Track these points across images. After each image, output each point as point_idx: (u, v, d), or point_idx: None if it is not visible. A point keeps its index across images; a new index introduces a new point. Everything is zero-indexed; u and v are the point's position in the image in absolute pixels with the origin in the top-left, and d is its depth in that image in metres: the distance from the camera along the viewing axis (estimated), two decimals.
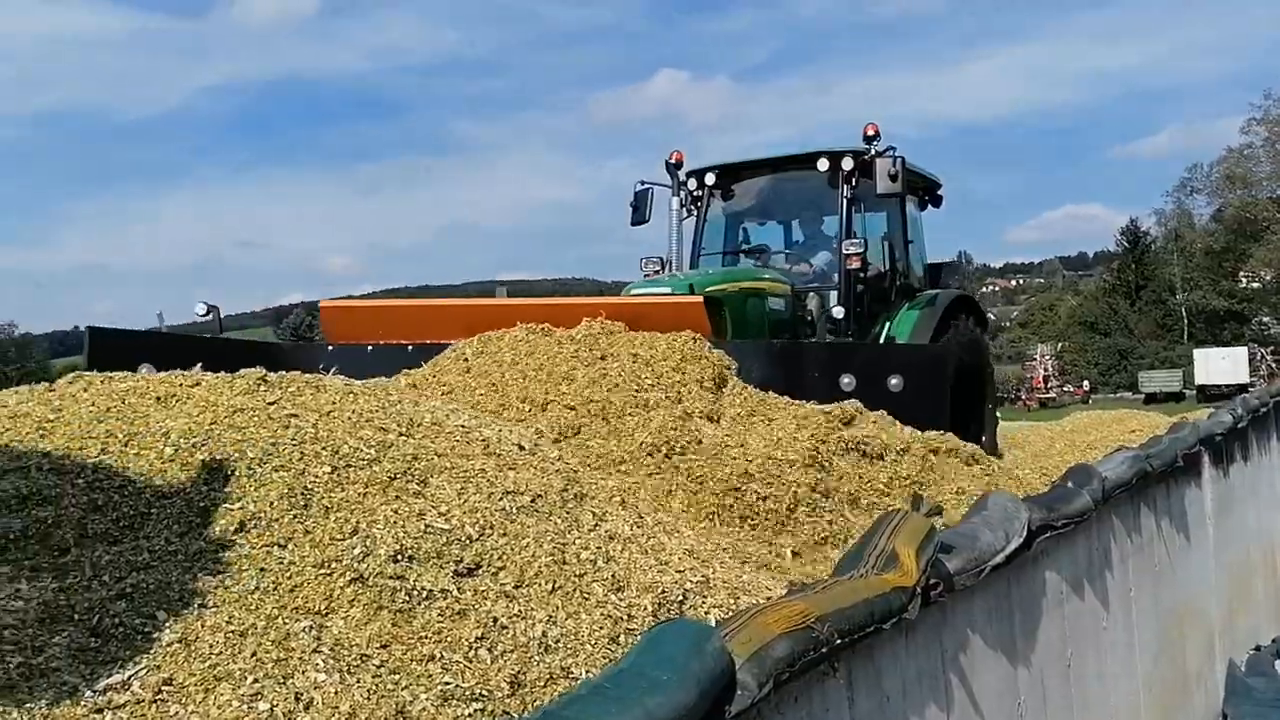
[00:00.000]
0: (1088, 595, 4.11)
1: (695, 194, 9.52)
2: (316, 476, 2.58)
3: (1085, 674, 3.96)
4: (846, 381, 5.40)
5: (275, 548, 2.32)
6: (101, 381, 3.02)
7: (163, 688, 1.89)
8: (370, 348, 5.86)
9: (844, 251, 8.19)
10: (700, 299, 5.86)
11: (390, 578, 2.29)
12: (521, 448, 3.28)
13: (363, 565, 2.31)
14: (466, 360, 5.01)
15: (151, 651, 1.99)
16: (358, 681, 2.01)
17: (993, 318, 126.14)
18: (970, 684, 2.99)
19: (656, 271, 8.87)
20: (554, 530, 2.69)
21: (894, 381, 5.46)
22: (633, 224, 9.71)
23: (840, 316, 7.87)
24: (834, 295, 8.30)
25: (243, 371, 3.17)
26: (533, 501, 2.80)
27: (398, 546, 2.39)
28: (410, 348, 5.59)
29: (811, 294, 8.40)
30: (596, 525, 2.81)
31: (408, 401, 3.39)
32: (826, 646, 2.26)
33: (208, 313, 6.04)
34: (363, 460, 2.72)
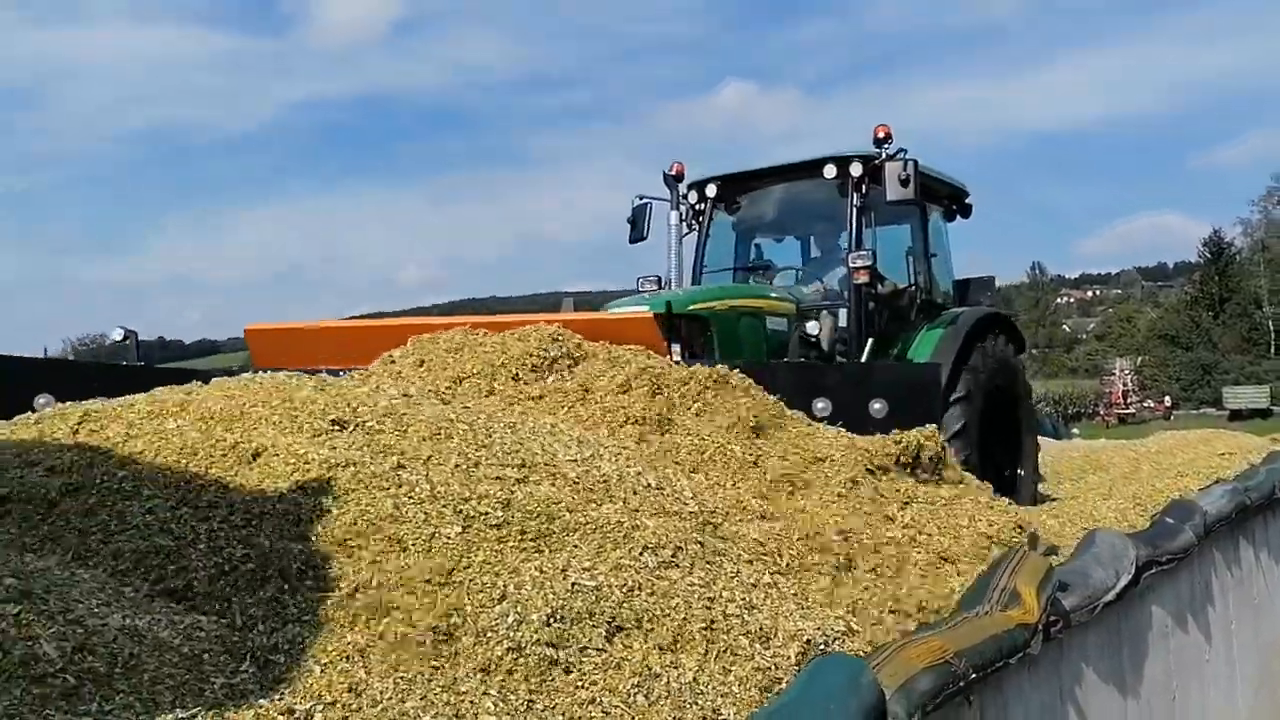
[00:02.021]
0: (1191, 629, 4.24)
1: (697, 208, 8.90)
2: (448, 539, 2.60)
3: (1189, 705, 4.09)
4: (820, 406, 4.88)
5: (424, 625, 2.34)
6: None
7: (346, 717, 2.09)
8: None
9: (851, 264, 7.54)
10: (650, 314, 5.35)
11: (545, 644, 2.33)
12: (649, 485, 3.28)
13: (518, 634, 2.34)
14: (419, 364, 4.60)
15: (326, 694, 2.18)
16: None
17: (1067, 330, 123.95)
18: (1085, 715, 3.17)
19: (653, 290, 8.21)
20: (699, 583, 2.72)
21: (876, 406, 4.97)
22: (631, 241, 9.08)
23: (815, 333, 7.20)
24: (843, 314, 7.69)
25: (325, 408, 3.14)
26: (673, 556, 2.83)
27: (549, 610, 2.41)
28: (341, 372, 4.87)
29: (826, 314, 7.70)
30: (737, 574, 2.86)
31: (503, 428, 3.38)
32: (964, 680, 2.48)
33: (125, 338, 5.53)
34: (492, 522, 2.71)
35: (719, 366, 4.59)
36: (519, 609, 2.39)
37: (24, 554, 2.41)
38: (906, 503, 3.70)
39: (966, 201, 9.11)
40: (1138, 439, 12.29)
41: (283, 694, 2.10)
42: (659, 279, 8.38)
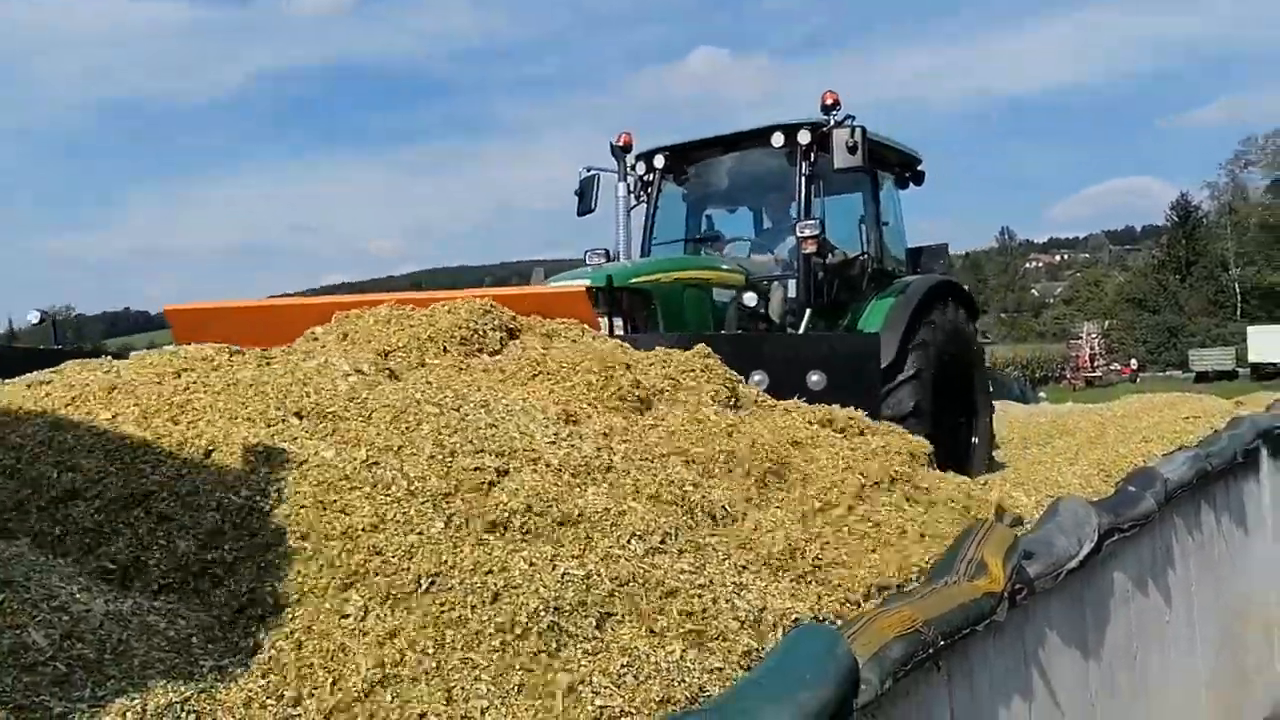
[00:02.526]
0: (1152, 592, 4.40)
1: (645, 179, 8.78)
2: (429, 536, 2.55)
3: (1150, 666, 4.25)
4: (758, 379, 4.73)
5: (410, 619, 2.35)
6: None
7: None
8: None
9: (799, 234, 7.33)
10: (581, 288, 5.28)
11: (536, 634, 2.36)
12: (632, 468, 3.23)
13: (511, 629, 2.37)
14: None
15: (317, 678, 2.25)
16: (520, 704, 2.20)
17: (1035, 294, 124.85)
18: (1049, 677, 3.31)
19: (599, 264, 7.99)
20: (687, 568, 2.74)
21: (814, 378, 4.81)
22: (579, 214, 8.93)
23: (752, 304, 7.00)
24: (793, 285, 7.58)
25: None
26: (662, 542, 2.84)
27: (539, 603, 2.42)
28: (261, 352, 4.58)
29: (777, 285, 7.64)
30: (727, 557, 2.89)
31: (475, 408, 3.26)
32: (932, 647, 2.59)
33: (41, 320, 5.48)
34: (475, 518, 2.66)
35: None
36: (509, 607, 2.38)
37: None
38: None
39: (919, 169, 9.06)
40: (1104, 403, 12.47)
41: (270, 678, 2.16)
42: (607, 252, 8.27)
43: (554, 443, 3.20)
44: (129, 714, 1.93)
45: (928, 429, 6.79)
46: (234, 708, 2.05)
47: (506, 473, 2.88)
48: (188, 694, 2.05)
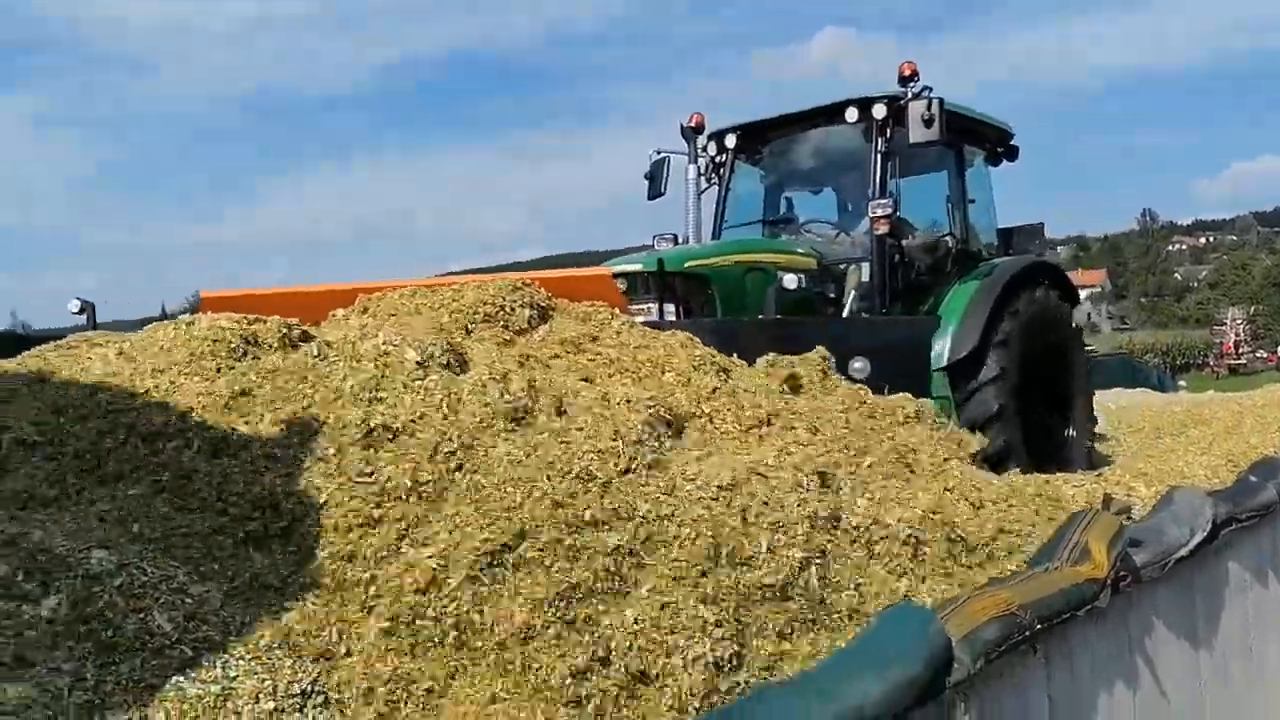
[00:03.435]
0: (1271, 583, 4.32)
1: (716, 160, 8.46)
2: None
3: (1268, 657, 4.19)
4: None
5: None
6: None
7: None
8: None
9: (870, 214, 6.99)
10: (608, 272, 5.11)
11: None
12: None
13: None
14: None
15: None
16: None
17: (1178, 278, 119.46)
18: (1155, 665, 3.32)
19: (664, 249, 7.76)
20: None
21: (857, 365, 4.56)
22: (649, 198, 8.69)
23: (791, 287, 6.42)
24: (866, 268, 7.21)
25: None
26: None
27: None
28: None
29: (852, 269, 7.29)
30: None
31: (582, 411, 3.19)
32: (1028, 630, 2.66)
33: (81, 310, 5.49)
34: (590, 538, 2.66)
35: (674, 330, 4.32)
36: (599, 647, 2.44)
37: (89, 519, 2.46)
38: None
39: (1012, 144, 8.57)
40: (1245, 391, 12.01)
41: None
42: (675, 236, 8.10)
43: (679, 462, 3.13)
44: (261, 696, 2.05)
45: (1013, 434, 6.65)
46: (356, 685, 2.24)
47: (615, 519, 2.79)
48: (315, 674, 2.19)
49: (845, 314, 7.13)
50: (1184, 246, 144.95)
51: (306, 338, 3.37)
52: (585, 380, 3.64)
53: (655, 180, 8.66)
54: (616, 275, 6.15)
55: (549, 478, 2.80)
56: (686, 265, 6.43)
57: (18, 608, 2.01)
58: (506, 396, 3.09)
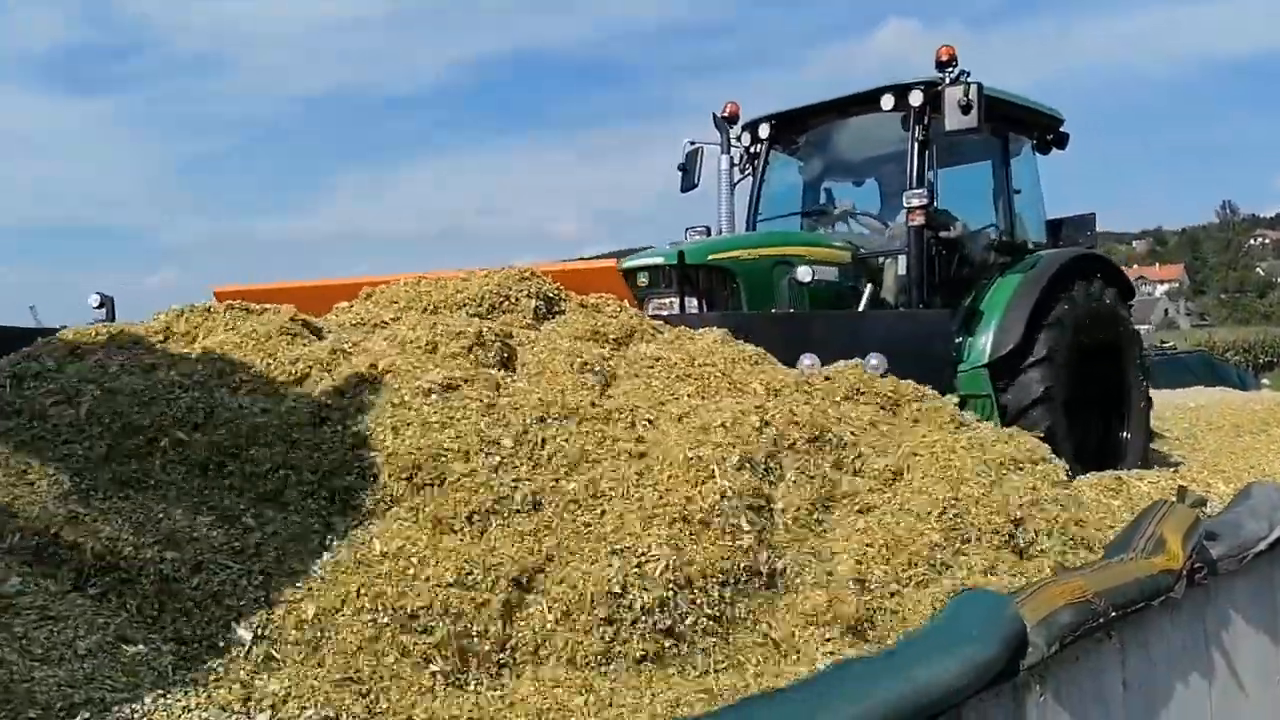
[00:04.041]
0: None
1: (751, 150, 8.14)
2: None
3: None
4: (808, 364, 4.34)
5: None
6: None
7: None
8: None
9: (905, 204, 6.71)
10: (614, 265, 4.97)
11: None
12: None
13: None
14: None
15: None
16: None
17: (1261, 273, 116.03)
18: (1232, 658, 3.34)
19: (694, 241, 7.42)
20: None
21: (874, 362, 4.38)
22: (682, 190, 8.40)
23: (806, 280, 6.12)
24: (904, 261, 6.89)
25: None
26: None
27: None
28: None
29: (890, 262, 7.03)
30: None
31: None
32: (1103, 617, 2.71)
33: (100, 305, 5.48)
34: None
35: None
36: None
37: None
38: None
39: (1061, 131, 8.16)
40: None
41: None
42: (707, 229, 7.74)
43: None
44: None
45: (1055, 421, 6.24)
46: None
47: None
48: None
49: (881, 308, 6.86)
50: (1267, 240, 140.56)
51: None
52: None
53: (688, 172, 8.41)
54: (638, 269, 6.24)
55: None
56: (710, 258, 6.29)
57: None
58: None
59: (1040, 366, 6.57)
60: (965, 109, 6.37)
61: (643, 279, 6.21)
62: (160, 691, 2.02)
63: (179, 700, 2.03)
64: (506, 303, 4.09)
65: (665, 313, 5.54)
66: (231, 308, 3.79)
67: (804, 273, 6.10)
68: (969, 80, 6.50)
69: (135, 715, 1.94)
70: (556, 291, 4.27)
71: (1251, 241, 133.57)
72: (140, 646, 2.14)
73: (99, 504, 2.54)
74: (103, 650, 2.10)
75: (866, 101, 7.24)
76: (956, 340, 6.77)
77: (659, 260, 6.23)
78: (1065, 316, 6.80)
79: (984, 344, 6.73)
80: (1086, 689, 2.72)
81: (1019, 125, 7.80)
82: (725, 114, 7.83)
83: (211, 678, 2.12)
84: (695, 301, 5.98)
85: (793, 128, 8.03)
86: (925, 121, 6.94)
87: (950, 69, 6.66)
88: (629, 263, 6.35)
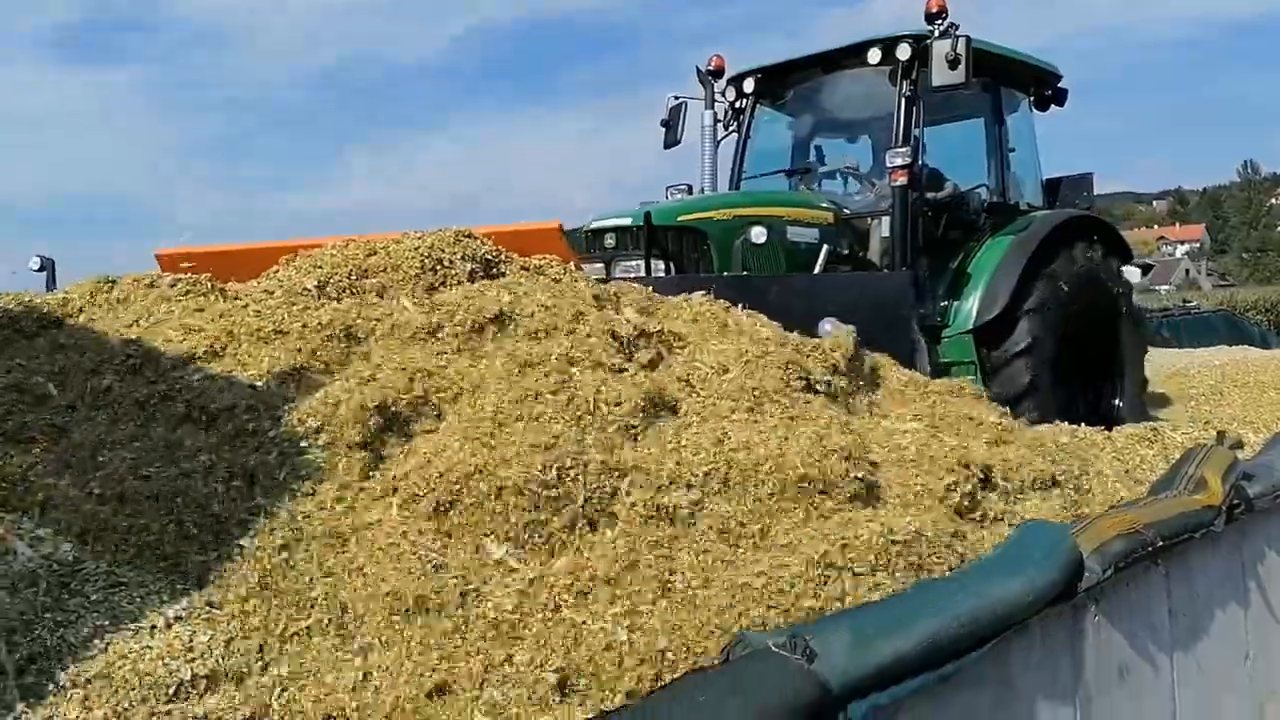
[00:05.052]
0: None
1: (736, 106, 7.83)
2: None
3: None
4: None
5: None
6: None
7: None
8: None
9: (888, 163, 6.40)
10: (555, 226, 4.59)
11: None
12: None
13: None
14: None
15: None
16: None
17: None
18: (1267, 590, 3.59)
19: (677, 201, 7.15)
20: None
21: (827, 328, 4.01)
22: (665, 146, 8.04)
23: (760, 240, 5.88)
24: (885, 223, 6.62)
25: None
26: None
27: None
28: None
29: (876, 223, 6.71)
30: None
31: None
32: (1151, 547, 2.96)
33: (41, 268, 5.33)
34: None
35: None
36: None
37: None
38: None
39: (1060, 87, 7.85)
40: None
41: None
42: (689, 188, 7.42)
43: None
44: None
45: (1048, 409, 5.99)
46: None
47: None
48: None
49: (866, 270, 6.62)
50: None
51: None
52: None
53: (671, 127, 8.03)
54: (605, 231, 6.08)
55: None
56: (679, 219, 6.08)
57: None
58: None
59: (1027, 318, 6.44)
60: (953, 63, 6.10)
61: (610, 240, 6.08)
62: None
63: None
64: (440, 267, 3.79)
65: (631, 275, 5.50)
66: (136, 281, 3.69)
67: (758, 234, 5.93)
68: (958, 34, 6.19)
69: None
70: (495, 254, 4.00)
71: (1273, 201, 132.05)
72: None
73: None
74: None
75: (853, 55, 6.98)
76: (942, 304, 6.68)
77: (626, 221, 6.02)
78: (1057, 274, 6.67)
79: (970, 308, 6.60)
80: (1137, 613, 2.97)
81: (1013, 81, 7.54)
82: (710, 68, 7.56)
83: None
84: (663, 265, 5.82)
85: (779, 82, 7.72)
86: (913, 77, 6.66)
87: (939, 21, 6.34)
88: (595, 223, 6.22)
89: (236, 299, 3.54)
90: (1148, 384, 7.84)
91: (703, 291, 4.08)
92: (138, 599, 2.26)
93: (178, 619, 2.23)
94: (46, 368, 3.06)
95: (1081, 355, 6.99)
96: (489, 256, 3.95)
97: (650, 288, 4.12)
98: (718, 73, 7.60)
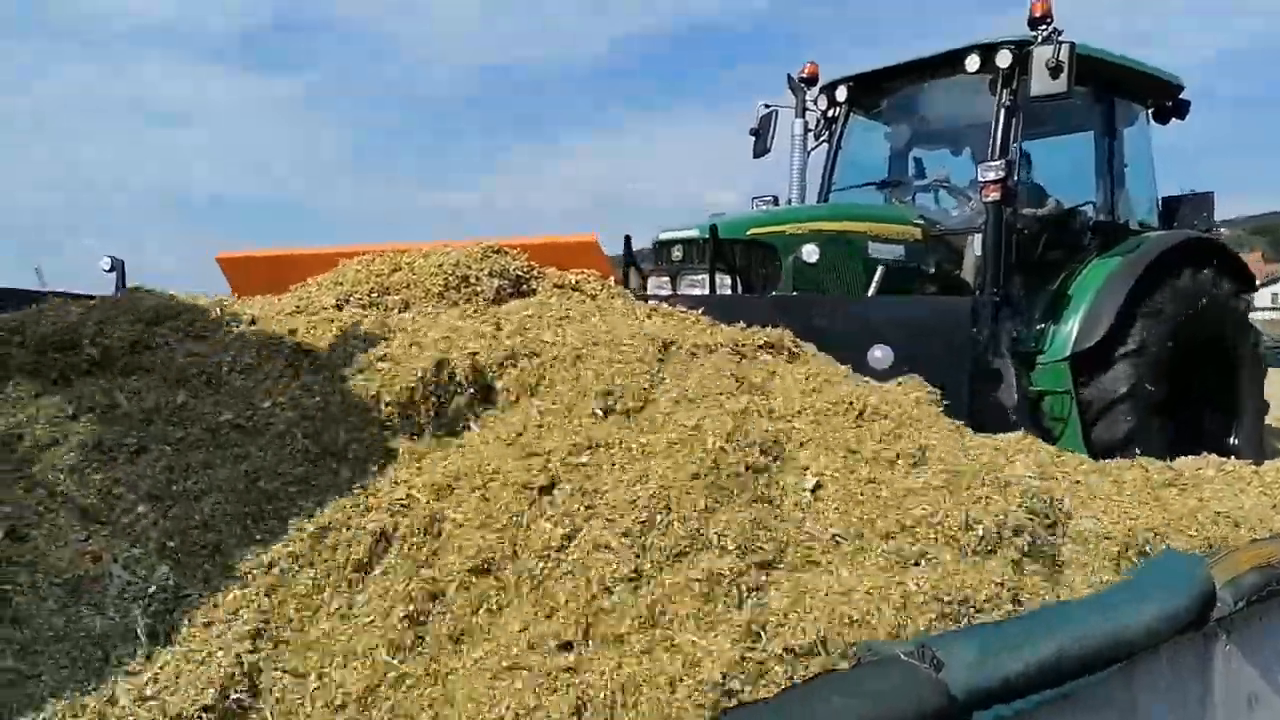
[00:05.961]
0: None
1: (828, 115, 7.52)
2: None
3: None
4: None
5: None
6: None
7: None
8: None
9: (980, 178, 6.02)
10: (592, 238, 4.38)
11: None
12: None
13: None
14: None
15: None
16: None
17: None
18: None
19: (762, 211, 6.95)
20: None
21: (877, 354, 3.91)
22: (755, 155, 7.78)
23: (812, 260, 5.43)
24: (978, 241, 6.18)
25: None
26: None
27: None
28: None
29: (970, 239, 6.31)
30: None
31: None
32: None
33: (111, 268, 5.40)
34: None
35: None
36: None
37: None
38: None
39: (1181, 99, 7.32)
40: None
41: None
42: (775, 199, 7.19)
43: None
44: None
45: (1141, 422, 5.75)
46: None
47: None
48: None
49: (959, 292, 6.22)
50: None
51: None
52: None
53: (761, 136, 7.73)
54: (671, 243, 5.85)
55: None
56: (749, 233, 5.76)
57: None
58: None
59: (1128, 360, 6.04)
60: (1055, 71, 5.70)
61: (676, 253, 5.87)
62: None
63: None
64: (465, 284, 3.71)
65: (696, 291, 5.34)
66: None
67: (809, 251, 5.49)
68: (1061, 40, 5.78)
69: None
70: (527, 269, 3.89)
71: None
72: None
73: None
74: None
75: (952, 62, 6.60)
76: (1038, 328, 6.36)
77: (692, 233, 5.77)
78: (1165, 306, 6.22)
79: (1068, 334, 6.23)
80: (1268, 645, 2.99)
81: (1128, 92, 7.07)
82: (803, 75, 7.29)
83: None
84: (729, 280, 5.57)
85: (874, 90, 7.33)
86: (1014, 85, 6.26)
87: (1044, 27, 5.92)
88: (663, 235, 6.01)
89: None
90: (1267, 411, 7.31)
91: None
92: None
93: None
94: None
95: (1193, 392, 6.60)
96: (519, 273, 3.86)
97: (700, 309, 3.97)
98: (811, 80, 7.35)
